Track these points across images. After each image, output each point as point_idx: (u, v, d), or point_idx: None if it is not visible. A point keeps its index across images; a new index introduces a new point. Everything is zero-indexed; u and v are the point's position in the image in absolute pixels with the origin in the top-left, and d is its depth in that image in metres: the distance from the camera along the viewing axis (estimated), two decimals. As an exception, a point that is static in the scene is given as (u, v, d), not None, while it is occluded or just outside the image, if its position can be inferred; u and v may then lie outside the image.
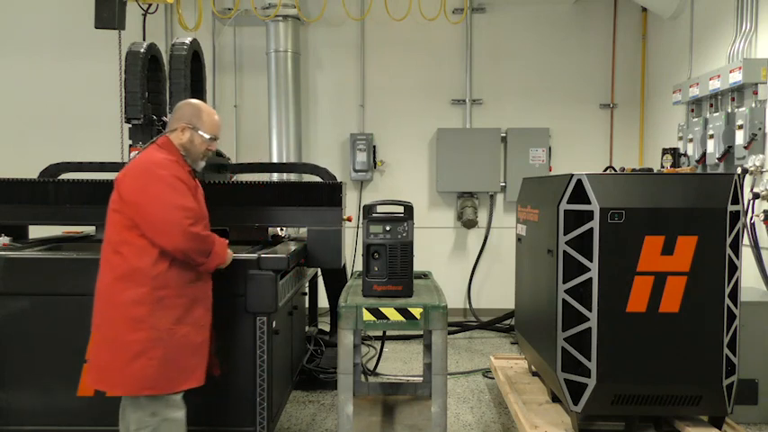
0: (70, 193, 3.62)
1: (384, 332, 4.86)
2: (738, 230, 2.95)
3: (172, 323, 2.56)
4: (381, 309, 2.88)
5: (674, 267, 2.87)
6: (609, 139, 6.96)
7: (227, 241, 2.79)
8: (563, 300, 2.97)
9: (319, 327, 5.10)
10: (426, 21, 6.49)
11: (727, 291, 2.89)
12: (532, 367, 4.05)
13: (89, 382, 2.62)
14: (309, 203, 3.68)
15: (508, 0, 6.88)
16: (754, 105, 4.42)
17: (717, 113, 4.88)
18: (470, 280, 6.95)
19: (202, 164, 2.82)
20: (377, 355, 4.96)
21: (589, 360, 2.90)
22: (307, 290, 4.67)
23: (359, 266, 3.45)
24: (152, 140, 2.76)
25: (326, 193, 3.71)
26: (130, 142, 3.51)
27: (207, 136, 2.75)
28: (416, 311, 2.87)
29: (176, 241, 2.53)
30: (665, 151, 5.45)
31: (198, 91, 3.77)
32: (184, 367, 2.61)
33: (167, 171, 2.58)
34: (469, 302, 6.93)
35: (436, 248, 6.93)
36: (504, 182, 6.86)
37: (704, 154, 4.94)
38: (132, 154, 3.48)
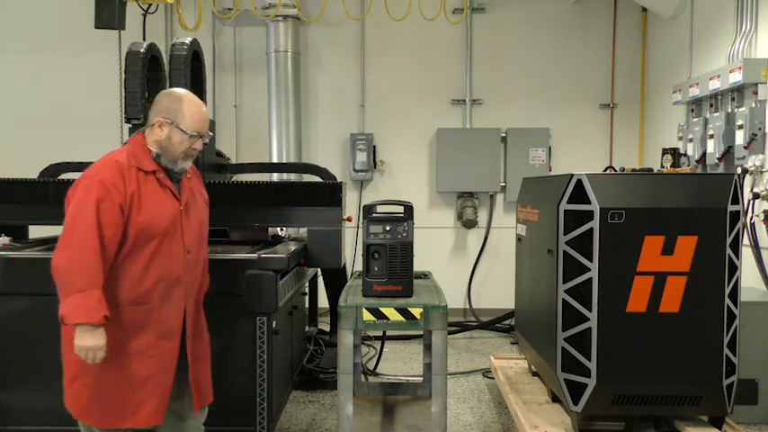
0: (70, 193, 3.61)
1: (384, 332, 4.86)
2: (738, 230, 2.95)
3: (108, 351, 2.25)
4: (381, 309, 2.88)
5: (674, 267, 2.87)
6: (609, 139, 6.96)
7: (105, 316, 2.19)
8: (563, 300, 2.97)
9: (319, 327, 5.10)
10: (426, 21, 6.49)
11: (727, 291, 2.89)
12: (532, 367, 4.04)
13: None
14: (309, 203, 3.68)
15: (508, 0, 6.89)
16: (754, 105, 4.42)
17: (717, 113, 4.88)
18: (470, 280, 6.95)
19: (185, 164, 2.44)
20: (377, 355, 4.96)
21: (589, 360, 2.90)
22: (307, 290, 4.67)
23: (359, 266, 3.45)
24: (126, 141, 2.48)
25: (326, 193, 3.71)
26: (130, 142, 3.51)
27: (188, 132, 2.36)
28: (416, 311, 2.87)
29: (55, 252, 2.22)
30: (665, 151, 5.45)
31: (198, 91, 3.77)
32: (123, 402, 2.32)
33: (98, 174, 2.25)
34: (469, 302, 6.93)
35: (436, 248, 6.93)
36: (504, 182, 6.86)
37: (704, 154, 4.94)
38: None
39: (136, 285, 2.30)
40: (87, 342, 2.20)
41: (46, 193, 3.61)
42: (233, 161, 5.92)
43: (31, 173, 4.08)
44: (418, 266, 3.45)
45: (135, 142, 2.40)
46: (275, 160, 6.51)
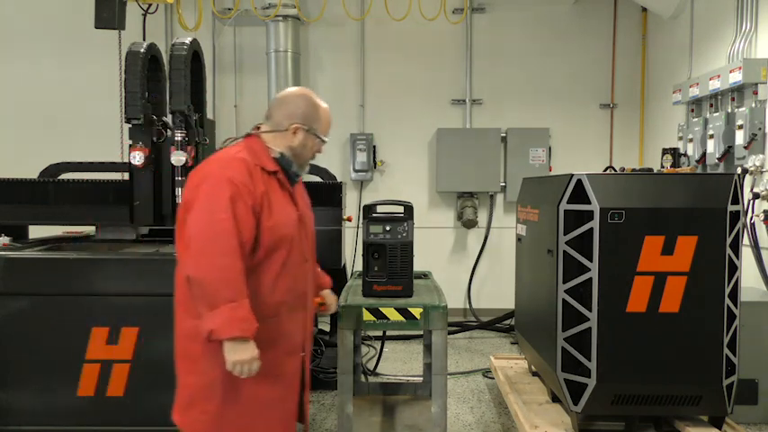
0: (70, 193, 3.62)
1: (384, 332, 4.86)
2: (738, 230, 2.95)
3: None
4: (381, 309, 2.89)
5: (674, 267, 2.87)
6: (609, 139, 6.96)
7: (256, 327, 1.96)
8: (563, 300, 2.97)
9: (319, 327, 5.10)
10: (426, 21, 6.49)
11: (727, 291, 2.89)
12: (532, 367, 4.04)
13: None
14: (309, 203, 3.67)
15: (508, 0, 6.89)
16: (754, 105, 4.42)
17: (717, 113, 4.88)
18: (470, 280, 6.95)
19: (307, 169, 2.33)
20: (377, 355, 4.96)
21: (589, 360, 2.90)
22: (307, 290, 4.67)
23: (359, 266, 3.45)
24: (235, 137, 2.25)
25: (326, 193, 3.72)
26: (130, 142, 3.51)
27: (323, 138, 2.25)
28: (416, 311, 2.87)
29: (187, 258, 1.97)
30: (665, 151, 5.46)
31: (198, 91, 3.77)
32: (248, 430, 2.07)
33: (224, 171, 2.00)
34: (469, 302, 6.93)
35: (436, 248, 6.93)
36: (504, 182, 6.86)
37: (704, 154, 4.94)
38: (132, 154, 3.47)
39: (267, 297, 2.06)
40: (244, 355, 1.95)
41: (46, 193, 3.61)
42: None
43: (31, 173, 4.08)
44: (418, 266, 3.45)
45: (252, 142, 2.18)
46: (275, 160, 6.49)
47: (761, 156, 4.31)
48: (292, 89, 2.31)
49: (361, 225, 3.52)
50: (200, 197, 1.97)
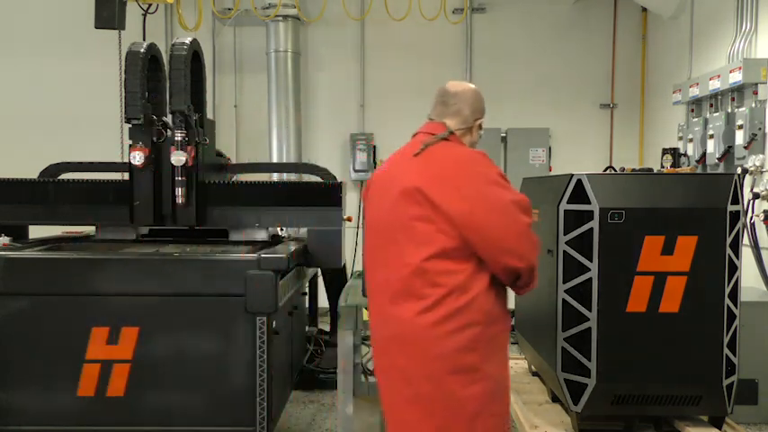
0: (70, 193, 3.62)
1: (384, 332, 4.85)
2: (738, 230, 2.94)
3: (503, 367, 2.04)
4: (381, 309, 2.88)
5: (674, 267, 2.87)
6: (609, 139, 6.96)
7: None
8: (563, 300, 2.96)
9: (319, 327, 5.10)
10: (426, 21, 6.49)
11: (727, 291, 2.89)
12: (532, 367, 4.04)
13: None
14: (309, 203, 3.68)
15: (508, 0, 6.89)
16: (754, 105, 4.42)
17: (717, 113, 4.88)
18: (470, 280, 6.93)
19: None
20: (377, 355, 4.95)
21: (589, 360, 2.90)
22: (307, 290, 4.68)
23: (359, 266, 3.44)
24: (437, 136, 2.22)
25: (326, 193, 3.71)
26: (130, 142, 3.51)
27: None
28: (416, 311, 2.86)
29: (529, 254, 2.02)
30: (665, 151, 5.45)
31: (198, 91, 3.77)
32: (509, 419, 2.13)
33: (492, 168, 2.09)
34: (469, 302, 6.92)
35: (436, 248, 6.91)
36: (504, 182, 6.85)
37: (704, 154, 4.94)
38: (132, 154, 3.47)
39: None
40: None
41: (46, 193, 3.61)
42: (233, 161, 5.92)
43: (31, 173, 4.08)
44: (418, 266, 3.43)
45: (455, 141, 2.25)
46: (275, 160, 6.50)
47: (761, 156, 4.31)
48: (464, 83, 2.39)
49: (361, 225, 3.52)
50: (491, 197, 2.02)
